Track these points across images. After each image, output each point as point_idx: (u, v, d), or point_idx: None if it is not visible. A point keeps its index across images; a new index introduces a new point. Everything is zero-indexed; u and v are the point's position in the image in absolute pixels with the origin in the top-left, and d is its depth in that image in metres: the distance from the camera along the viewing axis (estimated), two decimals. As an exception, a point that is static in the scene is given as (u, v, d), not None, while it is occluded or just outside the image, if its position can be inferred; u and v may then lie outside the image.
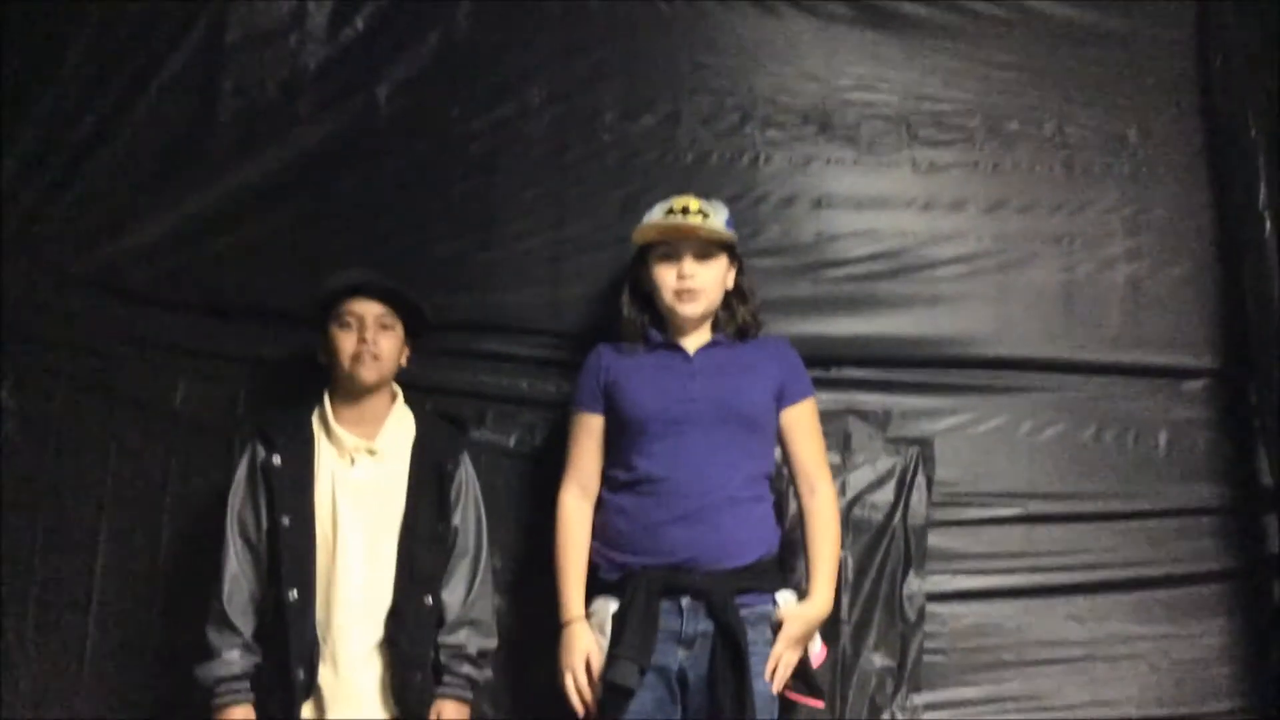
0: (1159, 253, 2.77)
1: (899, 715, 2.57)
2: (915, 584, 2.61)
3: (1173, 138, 2.81)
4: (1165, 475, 2.69)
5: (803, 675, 2.30)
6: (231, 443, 2.66)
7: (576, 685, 2.26)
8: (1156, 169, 2.80)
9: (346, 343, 2.31)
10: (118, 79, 2.79)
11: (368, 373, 2.31)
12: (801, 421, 2.39)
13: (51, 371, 2.72)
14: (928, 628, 2.60)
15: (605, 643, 2.25)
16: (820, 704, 2.39)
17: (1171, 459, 2.70)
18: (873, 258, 2.73)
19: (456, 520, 2.35)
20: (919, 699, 2.59)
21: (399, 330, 2.37)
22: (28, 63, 2.80)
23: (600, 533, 2.35)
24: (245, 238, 2.75)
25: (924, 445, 2.67)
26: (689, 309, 2.35)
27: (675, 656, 2.24)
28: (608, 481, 2.38)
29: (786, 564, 2.41)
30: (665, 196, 2.67)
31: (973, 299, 2.73)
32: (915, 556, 2.62)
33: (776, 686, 2.24)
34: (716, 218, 2.38)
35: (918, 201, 2.76)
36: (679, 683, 2.25)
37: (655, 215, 2.40)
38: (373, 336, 2.31)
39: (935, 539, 2.64)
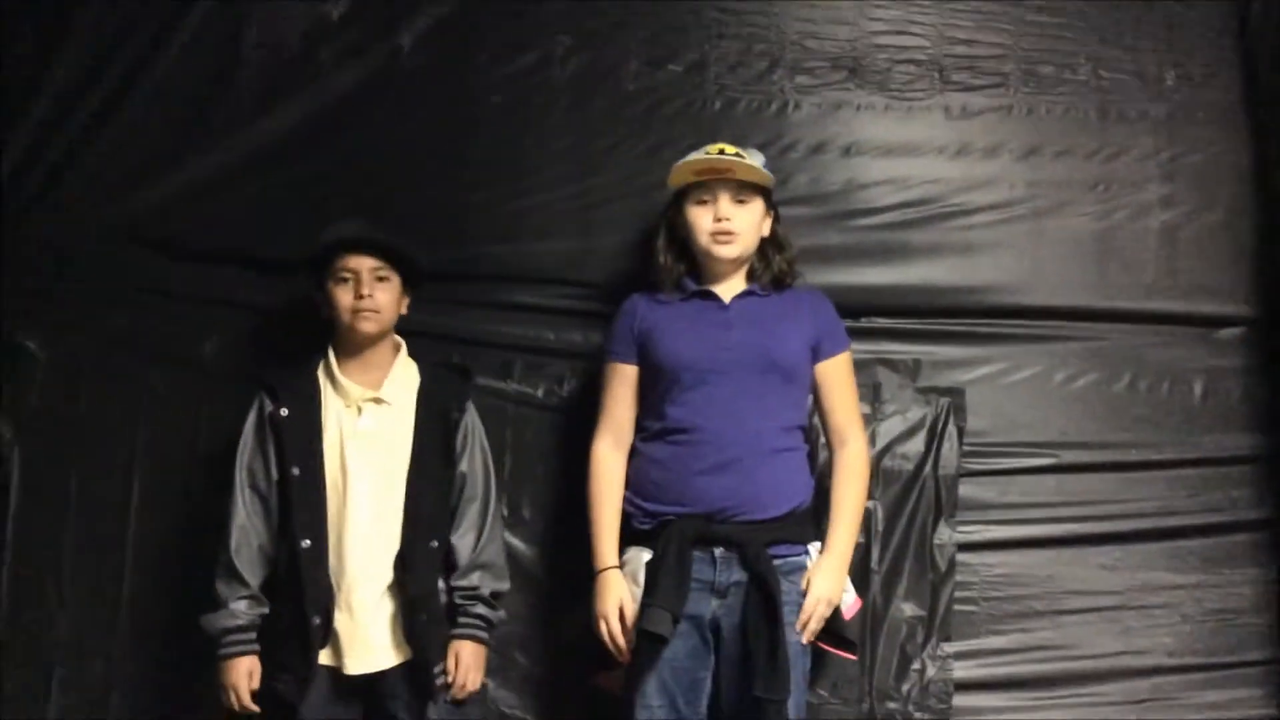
0: (1195, 199, 2.72)
1: (929, 664, 2.57)
2: (946, 534, 2.61)
3: (1210, 82, 2.75)
4: (1200, 424, 2.67)
5: (834, 627, 2.31)
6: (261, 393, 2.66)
7: (610, 632, 2.26)
8: (1193, 113, 2.75)
9: (345, 297, 2.33)
10: (142, 31, 2.77)
11: (368, 325, 2.33)
12: (836, 375, 2.38)
13: (82, 324, 2.72)
14: (958, 577, 2.60)
15: (638, 592, 2.25)
16: (853, 656, 2.41)
17: (1206, 408, 2.67)
18: (903, 205, 2.70)
19: (464, 466, 2.37)
20: (949, 648, 2.58)
21: (396, 281, 2.38)
22: (52, 16, 2.78)
23: (633, 482, 2.34)
24: (272, 188, 2.73)
25: (955, 395, 2.65)
26: (725, 251, 2.33)
27: (709, 606, 2.24)
28: (641, 430, 2.37)
29: (819, 515, 2.39)
30: (693, 145, 2.65)
31: (1005, 247, 2.69)
32: (946, 506, 2.61)
33: (806, 638, 2.24)
34: (753, 159, 2.36)
35: (950, 148, 2.72)
36: (712, 632, 2.25)
37: (694, 156, 2.37)
38: (369, 290, 2.32)
39: (966, 489, 2.62)
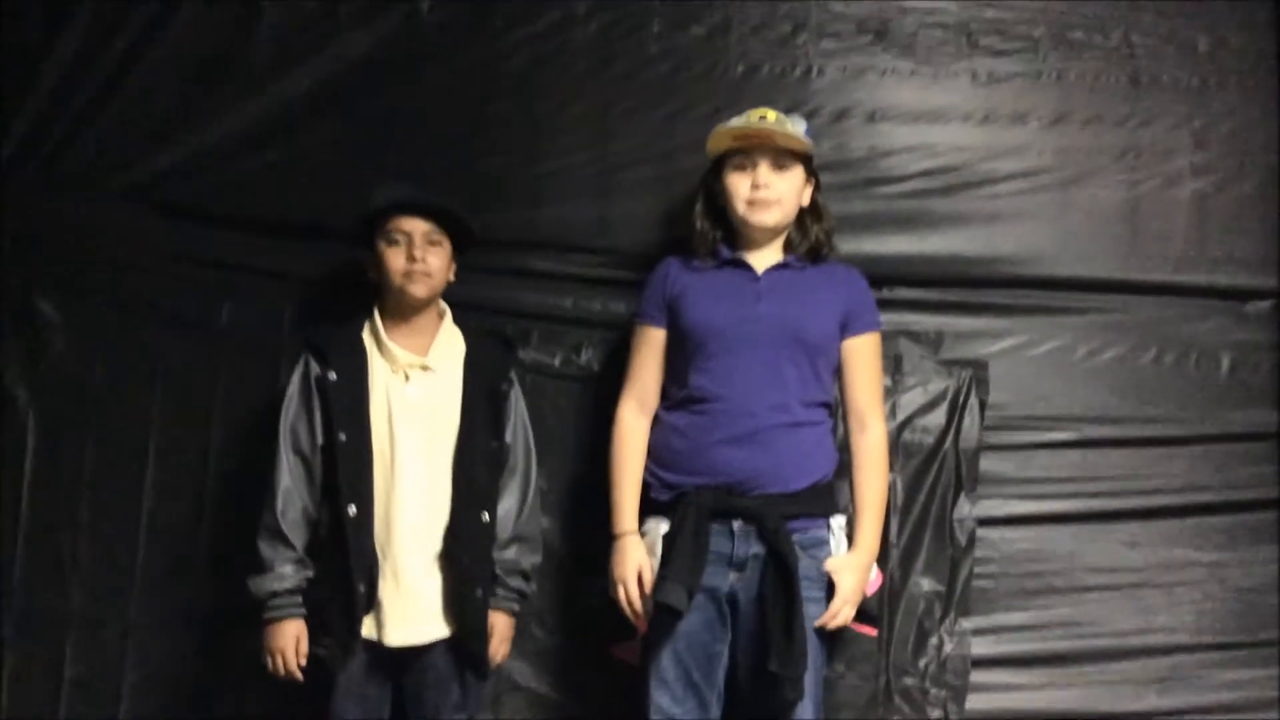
0: (1226, 168, 2.67)
1: (947, 640, 2.56)
2: (966, 508, 2.58)
3: (1244, 48, 2.69)
4: (1226, 399, 2.62)
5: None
6: (278, 360, 2.65)
7: (629, 598, 2.25)
8: (1226, 81, 2.69)
9: (396, 260, 2.29)
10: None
11: (418, 289, 2.29)
12: (862, 354, 2.34)
13: (97, 289, 2.71)
14: (978, 552, 2.57)
15: (655, 564, 2.23)
16: (874, 632, 2.40)
17: (1234, 383, 2.63)
18: (929, 173, 2.65)
19: (507, 438, 2.35)
20: (967, 623, 2.57)
21: (447, 246, 2.34)
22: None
23: (654, 452, 2.32)
24: (288, 152, 2.70)
25: (977, 367, 2.61)
26: (762, 218, 2.29)
27: (726, 579, 2.22)
28: (664, 398, 2.34)
29: (838, 488, 2.38)
30: (715, 109, 2.62)
31: (1032, 217, 2.64)
32: (966, 480, 2.58)
33: (834, 625, 2.22)
34: (795, 128, 2.31)
35: (977, 114, 2.67)
36: (729, 605, 2.23)
37: (735, 122, 2.33)
38: (421, 254, 2.28)
39: (987, 463, 2.59)
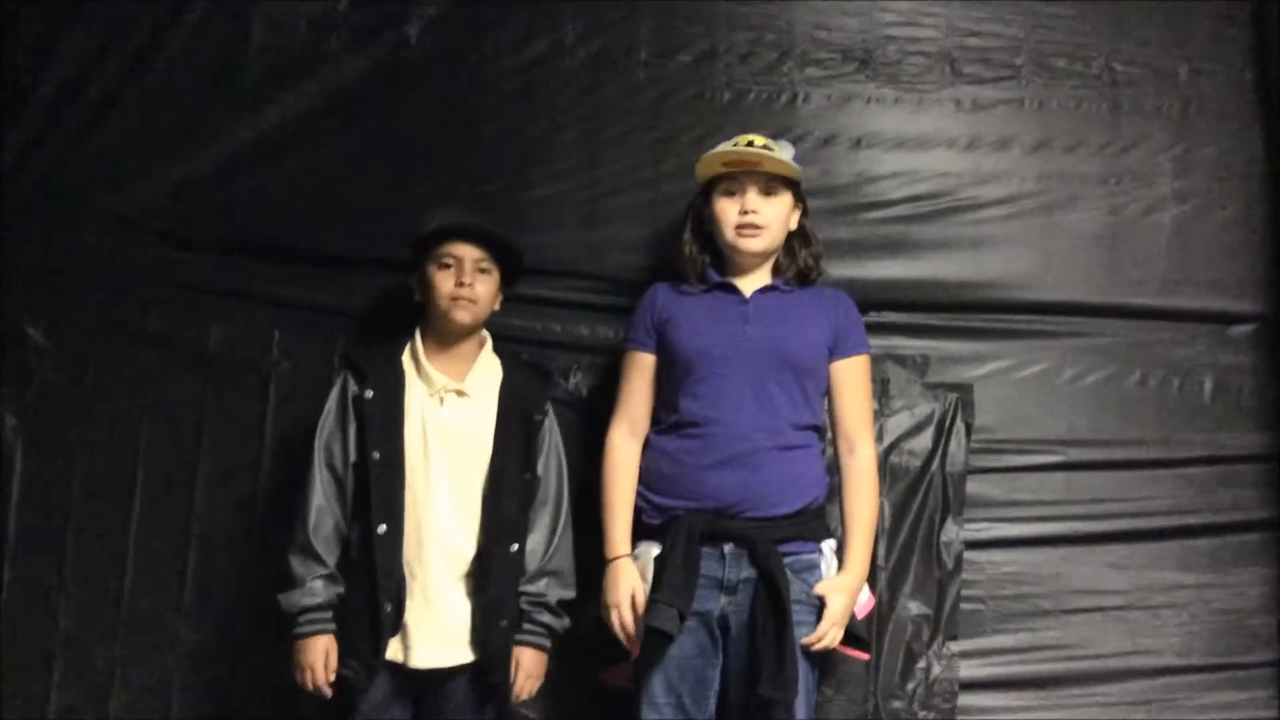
0: (1207, 194, 2.70)
1: (935, 663, 2.56)
2: (953, 531, 2.59)
3: (1223, 75, 2.73)
4: (1209, 422, 2.65)
5: (848, 627, 2.27)
6: (267, 384, 2.66)
7: (621, 622, 2.24)
8: (1207, 107, 2.73)
9: (445, 284, 2.31)
10: (148, 18, 2.75)
11: (464, 315, 2.31)
12: (850, 376, 2.35)
13: (86, 314, 2.70)
14: (965, 575, 2.58)
15: (648, 587, 2.23)
16: (865, 656, 2.39)
17: (1216, 405, 2.65)
18: (913, 199, 2.68)
19: (539, 469, 2.35)
20: (955, 647, 2.57)
21: (495, 275, 2.36)
22: (54, 4, 2.76)
23: (644, 476, 2.32)
24: (277, 177, 2.71)
25: (963, 391, 2.63)
26: (750, 244, 2.31)
27: (717, 602, 2.22)
28: (654, 423, 2.35)
29: (829, 512, 2.38)
30: (702, 136, 2.64)
31: (1015, 241, 2.67)
32: (953, 503, 2.59)
33: (818, 647, 2.21)
34: (781, 153, 2.33)
35: (960, 141, 2.70)
36: (720, 629, 2.23)
37: (723, 147, 2.34)
38: (470, 279, 2.30)
39: (974, 486, 2.61)
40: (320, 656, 2.21)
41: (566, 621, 2.37)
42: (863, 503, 2.31)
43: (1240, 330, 2.67)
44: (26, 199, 2.72)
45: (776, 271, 2.37)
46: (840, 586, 2.23)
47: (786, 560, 2.21)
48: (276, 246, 2.71)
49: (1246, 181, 2.70)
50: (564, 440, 2.51)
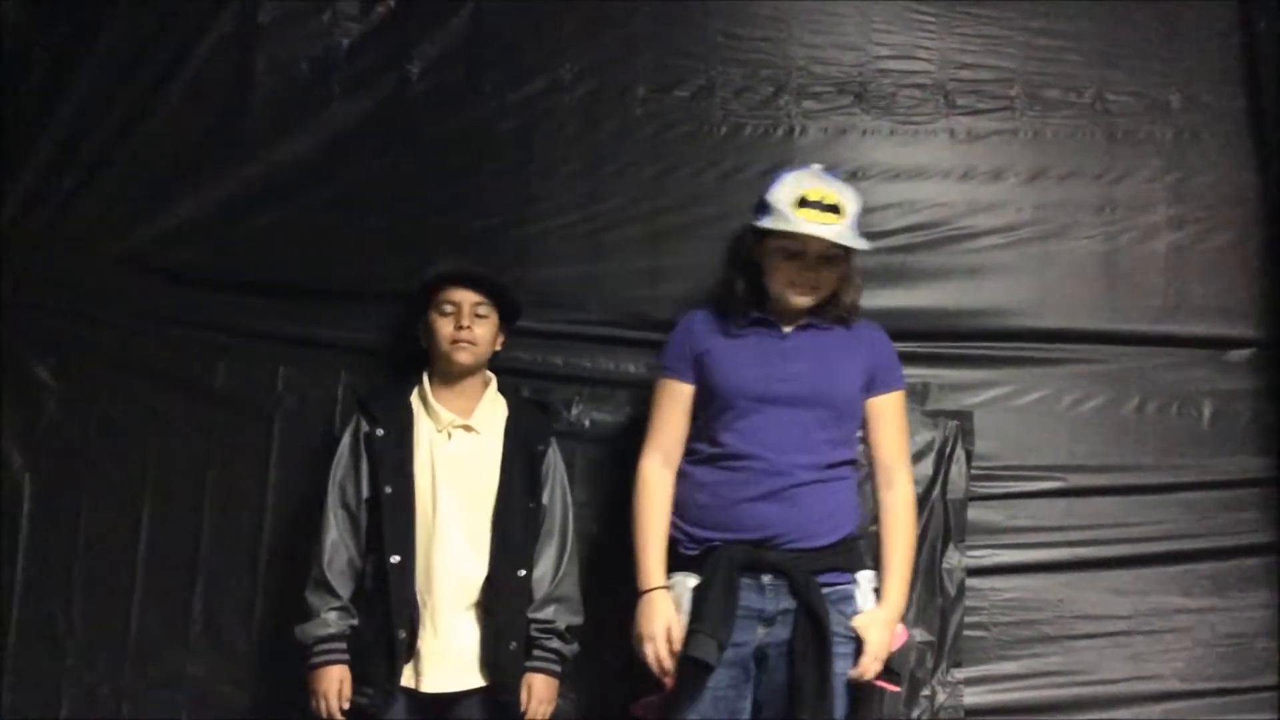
0: (1202, 220, 2.72)
1: (939, 690, 2.56)
2: (955, 558, 2.60)
3: (1216, 103, 2.75)
4: (1209, 447, 2.66)
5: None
6: (272, 420, 2.69)
7: (657, 654, 2.21)
8: (1200, 135, 2.75)
9: (445, 328, 2.41)
10: (152, 61, 2.79)
11: (464, 356, 2.40)
12: (887, 412, 2.35)
13: (93, 352, 2.74)
14: (968, 602, 2.59)
15: (684, 619, 2.21)
16: (897, 688, 2.36)
17: (1215, 430, 2.66)
18: (910, 229, 2.70)
19: (544, 499, 2.42)
20: (959, 674, 2.58)
21: (494, 318, 2.46)
22: (62, 47, 2.81)
23: (680, 507, 2.31)
24: (281, 217, 2.75)
25: (963, 418, 2.65)
26: (803, 302, 2.31)
27: (754, 634, 2.21)
28: (690, 453, 2.34)
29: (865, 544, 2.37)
30: (699, 171, 2.70)
31: (1013, 270, 2.70)
32: (955, 530, 2.61)
33: (863, 680, 2.21)
34: (848, 212, 2.27)
35: (956, 171, 2.73)
36: (756, 661, 2.22)
37: (786, 197, 2.25)
38: (469, 323, 2.39)
39: (975, 513, 2.62)
40: (334, 685, 2.29)
41: (576, 647, 2.40)
42: (901, 536, 2.30)
43: (1238, 355, 2.69)
44: (34, 240, 2.76)
45: (816, 310, 2.34)
46: (879, 620, 2.23)
47: (824, 591, 2.20)
48: (280, 284, 2.74)
49: (1241, 207, 2.72)
50: (567, 471, 2.54)
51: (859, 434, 2.37)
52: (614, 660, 2.46)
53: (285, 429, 2.70)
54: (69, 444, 2.72)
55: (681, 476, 2.33)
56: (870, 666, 2.19)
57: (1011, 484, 2.64)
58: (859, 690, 2.22)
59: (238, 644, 2.66)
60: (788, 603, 2.20)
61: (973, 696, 2.57)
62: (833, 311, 2.35)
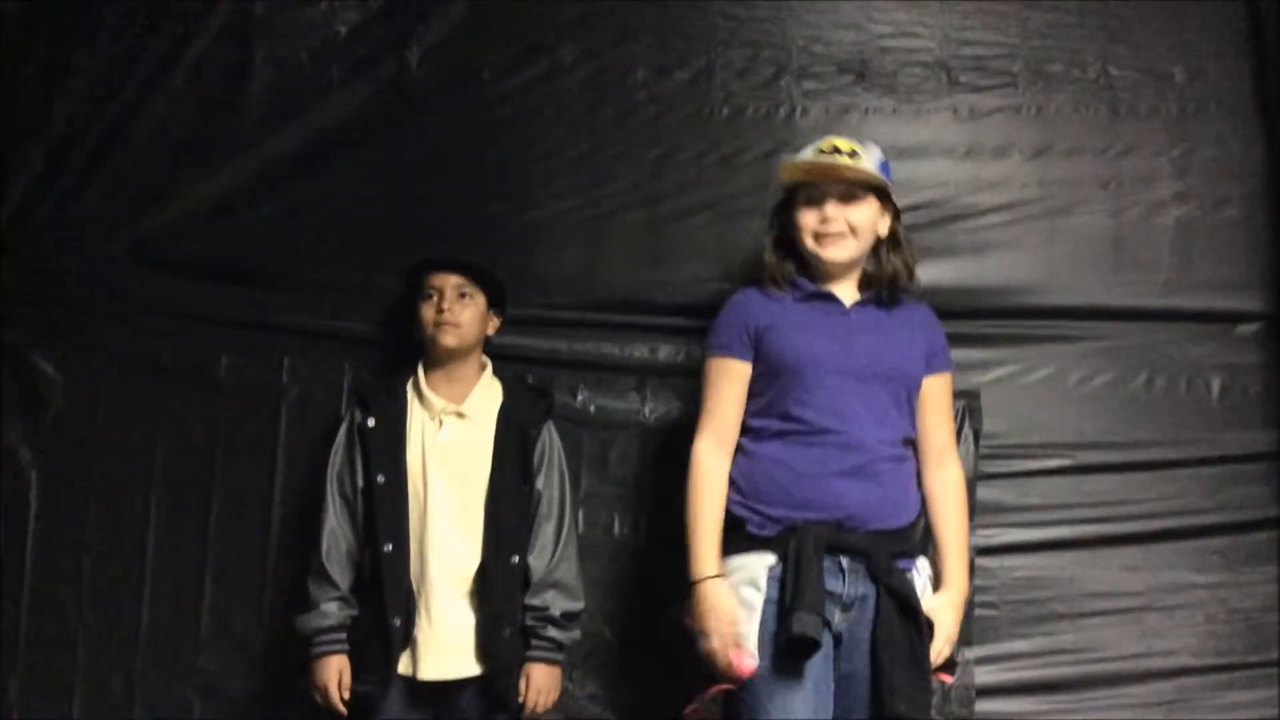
0: (1208, 194, 2.70)
1: (951, 669, 2.56)
2: (965, 538, 2.59)
3: (1221, 76, 2.73)
4: (1218, 422, 2.65)
5: None
6: (278, 411, 2.69)
7: (724, 647, 2.10)
8: (1205, 108, 2.73)
9: (429, 313, 2.43)
10: (151, 52, 2.78)
11: (448, 339, 2.41)
12: (938, 392, 2.32)
13: (97, 346, 2.74)
14: (978, 581, 2.57)
15: (759, 599, 2.11)
16: (951, 679, 2.33)
17: (1224, 405, 2.65)
18: (914, 208, 2.67)
19: (540, 484, 2.42)
20: (971, 653, 2.57)
21: (479, 300, 2.46)
22: (61, 40, 2.80)
23: (747, 486, 2.21)
24: (283, 207, 2.75)
25: (971, 398, 2.63)
26: (831, 253, 2.24)
27: (834, 618, 2.13)
28: (755, 431, 2.24)
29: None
30: (700, 153, 2.69)
31: (1018, 247, 2.68)
32: (964, 510, 2.59)
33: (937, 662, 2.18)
34: (867, 157, 2.26)
35: (959, 149, 2.71)
36: (835, 644, 2.15)
37: (808, 153, 2.28)
38: (450, 305, 2.41)
39: (984, 492, 2.61)
40: (334, 676, 2.32)
41: (576, 634, 2.40)
42: (957, 516, 2.28)
43: (1246, 329, 2.67)
44: (37, 234, 2.76)
45: (865, 281, 2.31)
46: (948, 603, 2.21)
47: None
48: (283, 275, 2.73)
49: (1247, 180, 2.70)
50: (572, 456, 2.53)
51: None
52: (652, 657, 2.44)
53: (291, 420, 2.70)
54: (75, 439, 2.72)
55: (747, 455, 2.23)
56: (942, 650, 2.16)
57: (1020, 462, 2.63)
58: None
59: (249, 637, 2.66)
60: (865, 587, 2.14)
61: (984, 675, 2.57)
62: (880, 276, 2.28)
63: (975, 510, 2.59)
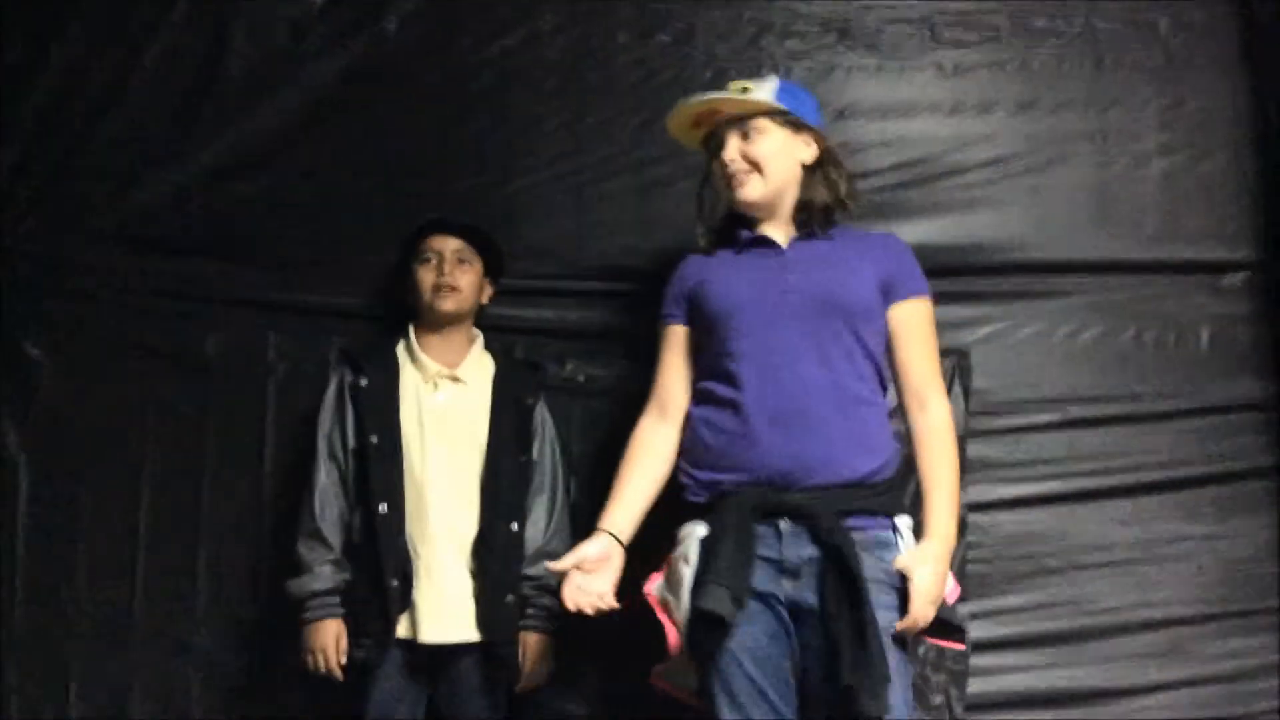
0: (1194, 145, 2.69)
1: (945, 626, 2.57)
2: (956, 495, 2.59)
3: (1206, 27, 2.71)
4: (1207, 372, 2.65)
5: (939, 614, 2.02)
6: (265, 388, 2.68)
7: (571, 592, 2.05)
8: (1191, 59, 2.71)
9: (427, 277, 2.41)
10: (128, 30, 2.75)
11: (447, 304, 2.39)
12: (910, 322, 2.13)
13: (84, 328, 2.72)
14: (970, 538, 2.58)
15: (689, 572, 2.01)
16: (962, 646, 2.25)
17: (1213, 356, 2.65)
18: (900, 166, 2.67)
19: (534, 455, 2.41)
20: (964, 609, 2.56)
21: (477, 266, 2.45)
22: (37, 19, 2.76)
23: (687, 451, 2.12)
24: (265, 183, 2.72)
25: (960, 355, 2.63)
26: (741, 193, 2.13)
27: (780, 586, 1.99)
28: (695, 395, 2.15)
29: (905, 485, 2.20)
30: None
31: (1004, 203, 2.67)
32: (955, 467, 2.59)
33: (917, 630, 2.00)
34: (760, 89, 2.14)
35: (944, 106, 2.69)
36: (790, 614, 2.00)
37: (683, 104, 2.20)
38: (450, 269, 2.39)
39: (975, 449, 2.60)
40: (331, 640, 2.29)
41: None
42: (941, 461, 2.05)
43: (1233, 279, 2.67)
44: (20, 215, 2.73)
45: (803, 215, 2.16)
46: (924, 556, 1.97)
47: (854, 537, 1.96)
48: (268, 251, 2.72)
49: (1233, 130, 2.69)
50: (562, 425, 2.53)
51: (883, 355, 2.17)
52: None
53: (279, 397, 2.69)
54: (64, 419, 2.71)
55: (688, 421, 2.14)
56: (921, 612, 1.94)
57: (1010, 418, 2.63)
58: (917, 640, 2.05)
59: (244, 612, 2.66)
60: (811, 550, 1.97)
61: (978, 630, 2.57)
62: (815, 206, 2.14)
63: (966, 467, 2.59)
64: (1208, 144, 2.69)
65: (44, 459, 2.70)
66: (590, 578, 2.06)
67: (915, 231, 2.64)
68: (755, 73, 2.66)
